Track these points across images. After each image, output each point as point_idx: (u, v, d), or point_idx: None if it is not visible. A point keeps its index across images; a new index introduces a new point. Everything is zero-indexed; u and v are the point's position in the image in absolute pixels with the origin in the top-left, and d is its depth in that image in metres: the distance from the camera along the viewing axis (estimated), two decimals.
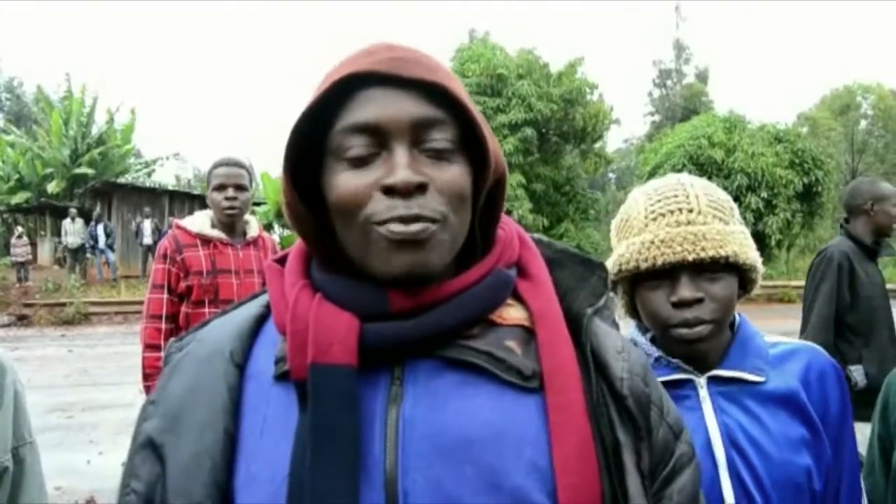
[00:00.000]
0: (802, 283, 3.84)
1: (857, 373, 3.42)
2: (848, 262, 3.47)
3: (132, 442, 0.85)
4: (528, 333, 0.82)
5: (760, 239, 21.32)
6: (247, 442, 0.79)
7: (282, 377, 0.80)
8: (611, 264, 1.31)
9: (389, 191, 0.74)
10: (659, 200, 1.31)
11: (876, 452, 1.71)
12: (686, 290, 1.25)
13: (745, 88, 76.54)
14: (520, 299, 0.85)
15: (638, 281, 1.31)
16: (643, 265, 1.26)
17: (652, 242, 1.26)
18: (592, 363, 0.81)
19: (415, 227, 0.74)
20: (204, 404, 0.80)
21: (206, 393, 0.81)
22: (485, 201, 0.83)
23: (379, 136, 0.75)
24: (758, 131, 23.04)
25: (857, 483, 1.38)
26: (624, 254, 1.30)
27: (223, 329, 0.87)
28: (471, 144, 0.80)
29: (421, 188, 0.74)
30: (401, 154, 0.75)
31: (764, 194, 20.96)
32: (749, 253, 1.29)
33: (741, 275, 1.32)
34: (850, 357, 3.46)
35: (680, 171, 21.40)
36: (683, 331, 1.26)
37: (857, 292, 3.47)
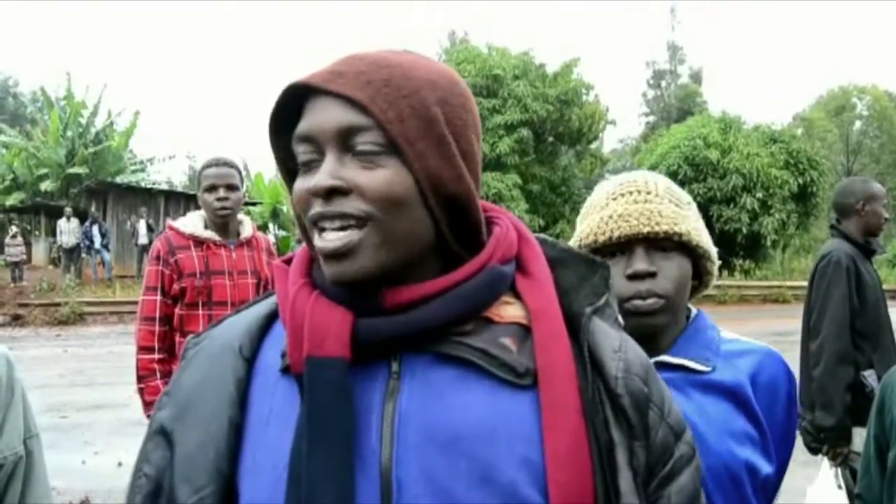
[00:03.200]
0: (797, 283, 3.80)
1: (871, 378, 3.30)
2: (854, 265, 3.39)
3: (147, 429, 0.90)
4: (525, 331, 0.83)
5: (756, 239, 21.36)
6: (253, 432, 0.83)
7: (287, 371, 0.82)
8: (572, 242, 1.38)
9: (315, 195, 0.78)
10: (621, 184, 1.38)
11: (872, 452, 1.70)
12: (640, 263, 1.29)
13: (740, 89, 76.66)
14: (519, 297, 0.86)
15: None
16: (601, 238, 1.32)
17: (610, 217, 1.33)
18: (589, 362, 0.82)
19: (334, 239, 0.77)
20: (212, 396, 0.84)
21: (215, 385, 0.85)
22: (449, 208, 0.82)
23: (316, 144, 0.79)
24: (753, 132, 23.08)
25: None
26: (584, 229, 1.37)
27: (235, 326, 0.91)
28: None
29: (339, 192, 0.77)
30: (328, 161, 0.78)
31: (759, 195, 20.96)
32: (703, 237, 1.35)
33: (695, 262, 1.36)
34: (861, 362, 3.35)
35: (675, 171, 21.44)
36: (637, 302, 1.29)
37: (865, 295, 3.38)
